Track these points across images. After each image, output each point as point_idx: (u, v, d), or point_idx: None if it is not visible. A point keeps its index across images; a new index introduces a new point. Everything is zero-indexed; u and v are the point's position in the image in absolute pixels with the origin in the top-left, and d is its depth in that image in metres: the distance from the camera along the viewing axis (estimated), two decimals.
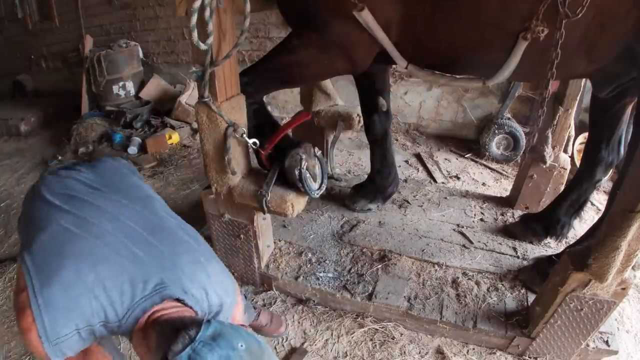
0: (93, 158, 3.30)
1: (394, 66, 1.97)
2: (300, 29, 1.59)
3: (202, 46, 1.28)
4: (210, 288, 0.95)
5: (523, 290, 1.84)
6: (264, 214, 1.69)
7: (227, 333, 0.73)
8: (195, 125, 3.83)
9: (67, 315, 0.80)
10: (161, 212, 1.07)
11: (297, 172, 1.52)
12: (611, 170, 1.94)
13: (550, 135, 2.14)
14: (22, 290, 0.83)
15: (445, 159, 3.28)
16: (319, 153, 1.64)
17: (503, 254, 2.05)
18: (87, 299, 0.81)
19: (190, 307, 0.89)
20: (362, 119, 2.31)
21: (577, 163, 2.70)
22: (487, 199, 2.55)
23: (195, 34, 1.23)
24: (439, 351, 1.71)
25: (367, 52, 1.56)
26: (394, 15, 1.44)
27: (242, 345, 0.72)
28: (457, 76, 1.67)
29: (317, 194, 1.57)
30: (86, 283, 0.82)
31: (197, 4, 1.19)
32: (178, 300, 0.88)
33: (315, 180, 1.61)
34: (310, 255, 2.04)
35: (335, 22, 1.47)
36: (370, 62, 1.62)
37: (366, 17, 1.40)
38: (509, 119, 3.25)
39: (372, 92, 2.11)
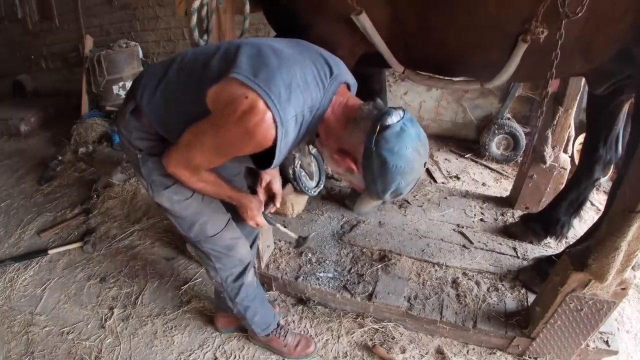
0: (93, 158, 3.31)
1: None
2: (284, 32, 1.58)
3: (202, 43, 1.28)
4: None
5: (523, 290, 1.84)
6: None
7: (415, 120, 0.97)
8: None
9: (288, 103, 0.94)
10: None
11: (290, 171, 1.51)
12: (611, 170, 1.94)
13: (550, 135, 2.14)
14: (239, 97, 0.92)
15: (445, 159, 3.28)
16: (314, 151, 1.62)
17: (503, 254, 2.05)
18: (299, 91, 0.96)
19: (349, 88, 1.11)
20: None
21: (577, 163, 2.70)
22: (487, 199, 2.55)
23: (196, 33, 1.24)
24: (439, 351, 1.71)
25: (349, 53, 1.53)
26: (382, 17, 1.43)
27: (422, 132, 0.97)
28: (455, 79, 1.66)
29: (315, 192, 1.56)
30: (297, 79, 0.96)
31: (196, 4, 1.20)
32: (346, 85, 1.09)
33: (312, 179, 1.60)
34: (310, 255, 2.04)
35: (319, 23, 1.46)
36: (352, 64, 1.60)
37: (364, 20, 1.40)
38: (509, 119, 3.25)
39: (368, 93, 2.11)
